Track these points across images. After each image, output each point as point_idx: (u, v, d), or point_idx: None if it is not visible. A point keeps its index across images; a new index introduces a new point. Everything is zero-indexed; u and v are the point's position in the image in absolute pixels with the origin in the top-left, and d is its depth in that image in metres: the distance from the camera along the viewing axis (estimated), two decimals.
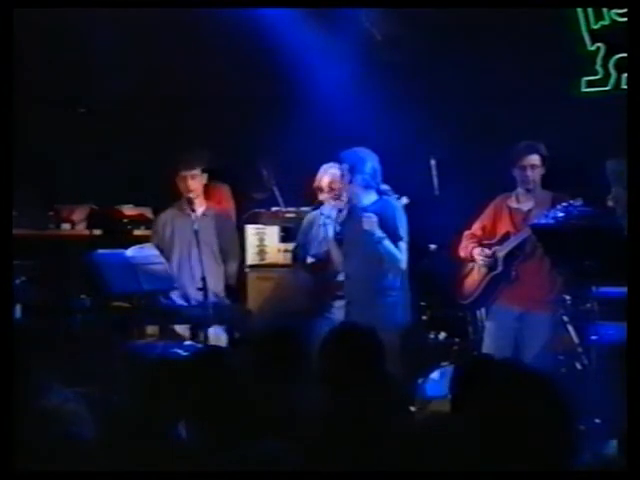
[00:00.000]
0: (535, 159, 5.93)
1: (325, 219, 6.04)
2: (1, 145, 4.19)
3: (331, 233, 6.04)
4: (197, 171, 6.50)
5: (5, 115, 4.25)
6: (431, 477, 2.67)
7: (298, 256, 6.38)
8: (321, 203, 6.34)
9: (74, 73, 7.78)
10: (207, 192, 6.98)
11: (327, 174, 6.33)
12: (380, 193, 6.01)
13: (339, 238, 6.02)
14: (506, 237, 5.99)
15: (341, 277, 6.10)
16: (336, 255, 6.05)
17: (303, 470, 2.93)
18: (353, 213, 5.99)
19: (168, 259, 6.45)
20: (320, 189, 6.35)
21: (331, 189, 6.25)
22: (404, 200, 6.00)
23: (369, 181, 5.95)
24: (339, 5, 7.26)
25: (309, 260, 6.20)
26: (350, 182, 5.93)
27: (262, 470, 2.92)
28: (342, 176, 5.97)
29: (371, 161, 5.94)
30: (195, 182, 6.51)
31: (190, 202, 6.48)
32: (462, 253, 6.13)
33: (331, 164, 6.32)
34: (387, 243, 5.83)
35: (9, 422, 3.26)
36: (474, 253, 6.04)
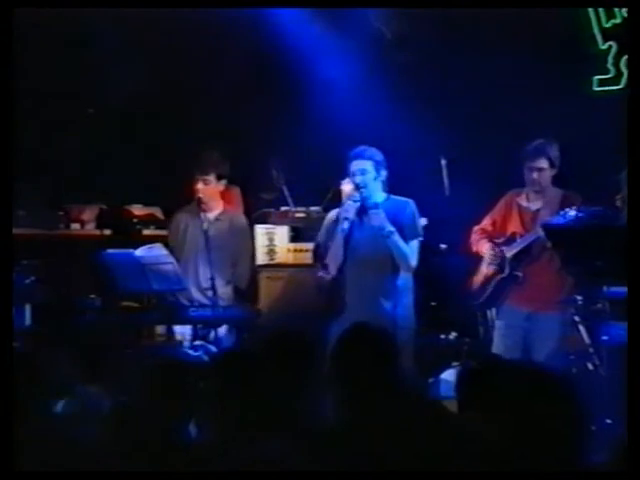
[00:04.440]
0: (542, 162, 5.92)
1: (344, 218, 5.94)
2: (1, 145, 4.23)
3: (344, 232, 5.95)
4: (210, 177, 6.51)
5: (5, 115, 4.28)
6: (433, 477, 2.70)
7: (318, 256, 6.37)
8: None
9: (83, 73, 7.81)
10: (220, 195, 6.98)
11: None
12: (386, 191, 6.01)
13: (347, 238, 5.96)
14: (513, 238, 6.00)
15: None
16: (337, 256, 5.99)
17: (312, 470, 2.96)
18: (363, 213, 5.96)
19: (179, 259, 6.47)
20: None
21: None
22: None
23: (384, 179, 5.97)
24: (345, 5, 7.27)
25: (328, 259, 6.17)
26: (375, 179, 5.93)
27: (267, 470, 2.95)
28: (364, 173, 5.90)
29: (383, 158, 5.95)
30: (207, 187, 6.50)
31: (200, 204, 6.49)
32: (473, 248, 6.14)
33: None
34: (397, 238, 5.82)
35: (9, 422, 3.29)
36: (484, 249, 6.05)
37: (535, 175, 5.92)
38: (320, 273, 6.08)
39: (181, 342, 6.33)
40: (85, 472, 3.14)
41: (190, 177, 6.53)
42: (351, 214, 5.89)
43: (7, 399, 3.35)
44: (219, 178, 6.52)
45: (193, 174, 6.51)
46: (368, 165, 5.89)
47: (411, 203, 5.99)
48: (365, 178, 5.88)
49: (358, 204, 5.89)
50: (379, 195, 5.96)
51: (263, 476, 3.01)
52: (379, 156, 5.92)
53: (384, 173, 5.94)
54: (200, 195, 6.47)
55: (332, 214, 6.25)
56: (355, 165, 5.91)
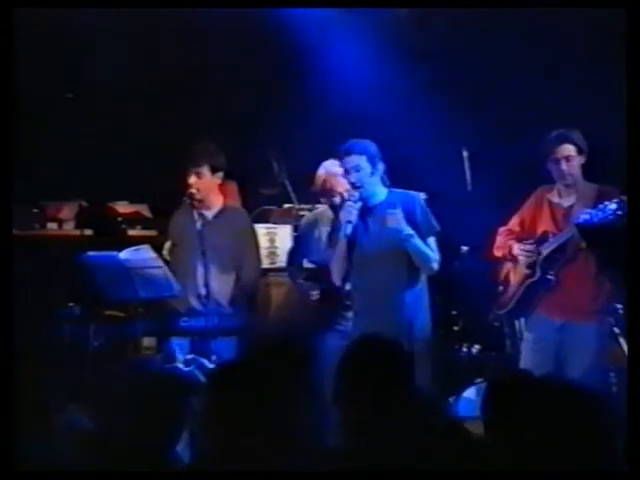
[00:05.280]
0: (569, 149, 5.88)
1: (346, 222, 5.89)
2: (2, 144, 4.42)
3: (347, 238, 5.91)
4: (204, 169, 6.48)
5: (5, 114, 4.47)
6: (434, 477, 2.70)
7: (294, 260, 6.34)
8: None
9: (68, 61, 7.83)
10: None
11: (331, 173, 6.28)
12: (387, 185, 5.97)
13: (351, 243, 5.92)
14: (544, 237, 5.96)
15: (348, 286, 6.02)
16: (341, 264, 5.96)
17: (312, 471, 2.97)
18: (365, 213, 5.91)
19: (178, 263, 6.45)
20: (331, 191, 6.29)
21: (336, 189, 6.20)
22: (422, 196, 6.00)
23: (381, 174, 5.93)
24: (347, 6, 7.27)
25: (306, 265, 6.16)
26: (372, 175, 5.89)
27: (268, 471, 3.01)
28: (358, 169, 5.87)
29: (377, 149, 5.91)
30: (201, 180, 6.48)
31: (192, 200, 6.47)
32: (499, 252, 6.10)
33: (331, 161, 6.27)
34: (417, 241, 5.79)
35: (9, 423, 3.46)
36: (514, 250, 6.01)
37: (564, 165, 5.89)
38: (299, 280, 6.09)
39: (171, 356, 6.31)
40: (85, 472, 3.24)
41: (181, 170, 6.51)
42: (354, 217, 5.84)
43: (7, 400, 3.56)
44: (214, 170, 6.49)
45: (185, 167, 6.48)
46: (362, 161, 5.85)
47: (418, 196, 5.95)
48: (360, 175, 5.85)
49: (360, 204, 5.86)
50: (380, 191, 5.93)
51: (263, 476, 3.08)
52: (373, 148, 5.88)
53: (381, 167, 5.90)
54: (192, 190, 6.44)
55: (309, 217, 6.23)
56: (347, 162, 5.88)
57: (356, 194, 5.85)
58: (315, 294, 6.15)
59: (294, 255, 6.46)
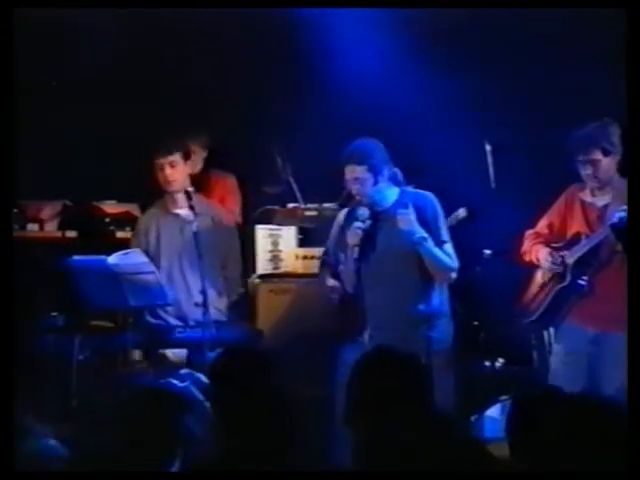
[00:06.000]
0: (594, 153, 5.87)
1: (358, 223, 5.90)
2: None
3: (356, 253, 5.91)
4: (176, 157, 6.46)
5: (5, 114, 4.67)
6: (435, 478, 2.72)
7: (328, 264, 6.35)
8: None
9: (69, 62, 7.88)
10: (206, 184, 6.95)
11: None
12: (397, 184, 5.97)
13: (361, 253, 5.92)
14: (576, 239, 5.97)
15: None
16: (352, 277, 5.96)
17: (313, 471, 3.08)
18: (375, 218, 5.91)
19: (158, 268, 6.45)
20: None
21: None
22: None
23: (391, 175, 5.92)
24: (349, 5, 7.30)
25: (341, 269, 6.16)
26: (376, 183, 5.88)
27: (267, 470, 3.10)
28: (360, 183, 5.84)
29: (382, 150, 5.90)
30: (176, 171, 6.46)
31: (174, 198, 6.46)
32: (526, 257, 6.11)
33: None
34: (431, 245, 5.81)
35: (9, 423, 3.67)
36: (540, 256, 6.02)
37: (589, 169, 5.89)
38: (329, 283, 6.08)
39: (164, 370, 6.32)
40: (85, 472, 3.37)
41: (155, 165, 6.50)
42: (359, 240, 5.84)
43: (6, 401, 3.80)
44: (186, 157, 6.50)
45: (155, 159, 6.46)
46: (362, 172, 5.83)
47: (432, 197, 5.96)
48: (362, 188, 5.85)
49: (368, 222, 5.87)
50: (390, 193, 5.93)
51: (263, 476, 3.17)
52: (376, 153, 5.87)
53: (386, 172, 5.88)
54: (172, 186, 6.43)
55: (341, 216, 6.23)
56: (348, 172, 5.87)
57: (366, 212, 5.86)
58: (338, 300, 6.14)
59: (327, 259, 6.43)
